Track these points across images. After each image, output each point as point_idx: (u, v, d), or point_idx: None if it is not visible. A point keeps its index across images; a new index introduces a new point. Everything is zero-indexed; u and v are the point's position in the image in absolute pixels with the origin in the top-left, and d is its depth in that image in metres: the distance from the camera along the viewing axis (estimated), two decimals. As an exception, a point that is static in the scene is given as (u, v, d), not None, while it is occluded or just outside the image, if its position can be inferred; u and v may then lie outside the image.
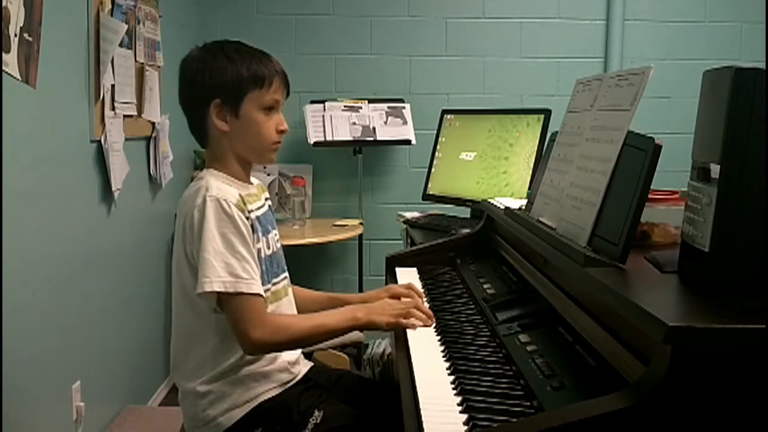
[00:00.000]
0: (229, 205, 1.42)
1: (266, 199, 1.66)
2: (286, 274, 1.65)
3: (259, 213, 1.54)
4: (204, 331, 1.48)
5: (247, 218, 1.47)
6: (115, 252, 2.68)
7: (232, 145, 1.53)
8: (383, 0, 3.82)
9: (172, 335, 1.56)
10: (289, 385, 1.55)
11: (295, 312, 1.65)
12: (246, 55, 1.51)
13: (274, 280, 1.57)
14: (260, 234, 1.51)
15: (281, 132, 1.55)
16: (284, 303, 1.60)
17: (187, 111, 1.56)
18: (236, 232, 1.42)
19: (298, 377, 1.58)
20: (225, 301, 1.40)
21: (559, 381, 1.10)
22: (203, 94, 1.50)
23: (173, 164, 3.25)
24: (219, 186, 1.46)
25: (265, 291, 1.50)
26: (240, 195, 1.48)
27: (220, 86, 1.48)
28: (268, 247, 1.55)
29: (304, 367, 1.62)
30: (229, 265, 1.39)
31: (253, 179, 1.64)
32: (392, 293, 1.69)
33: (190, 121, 1.56)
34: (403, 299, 1.63)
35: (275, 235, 1.62)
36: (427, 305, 1.64)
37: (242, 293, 1.39)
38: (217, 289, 1.38)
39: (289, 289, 1.65)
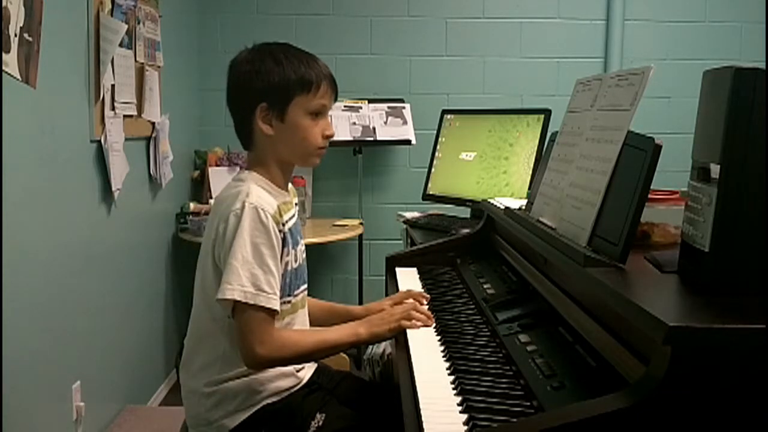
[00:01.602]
0: (266, 216, 1.40)
1: (296, 204, 1.64)
2: (306, 285, 1.63)
3: (291, 223, 1.52)
4: (216, 334, 1.47)
5: (281, 231, 1.45)
6: (115, 252, 2.68)
7: (276, 149, 1.51)
8: (383, 0, 3.82)
9: (187, 333, 1.56)
10: (294, 389, 1.54)
11: (308, 324, 1.64)
12: (294, 59, 1.48)
13: (296, 292, 1.55)
14: (290, 247, 1.49)
15: (327, 137, 1.53)
16: (300, 314, 1.58)
17: (233, 113, 1.54)
18: (268, 243, 1.40)
19: (304, 381, 1.57)
20: (239, 310, 1.39)
21: (559, 381, 1.10)
22: (249, 97, 1.47)
23: (173, 164, 3.25)
24: (259, 193, 1.44)
25: (286, 303, 1.49)
26: (278, 205, 1.46)
27: (266, 90, 1.46)
28: (296, 260, 1.53)
29: (309, 370, 1.62)
30: (254, 276, 1.38)
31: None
32: (393, 303, 1.69)
33: (236, 123, 1.54)
34: (402, 304, 1.64)
35: (302, 246, 1.60)
36: (427, 306, 1.64)
37: (260, 306, 1.38)
38: (237, 298, 1.36)
39: (306, 300, 1.64)
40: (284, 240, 1.46)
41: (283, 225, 1.47)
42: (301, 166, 1.63)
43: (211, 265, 1.45)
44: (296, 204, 1.63)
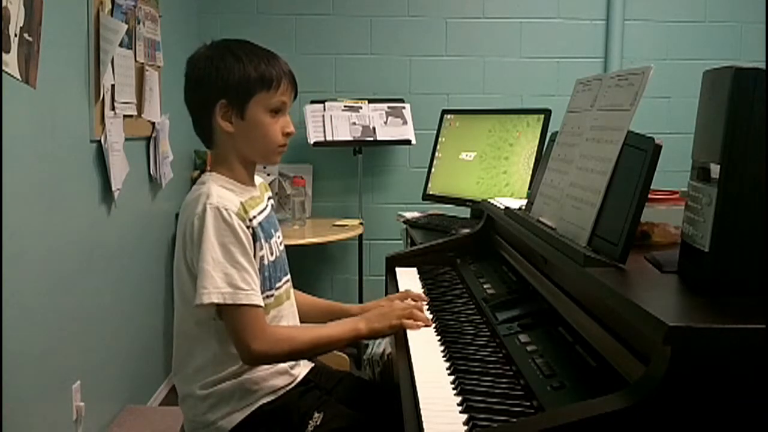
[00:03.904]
0: (229, 214, 1.40)
1: (269, 198, 1.64)
2: (289, 276, 1.63)
3: (261, 218, 1.51)
4: (204, 337, 1.47)
5: (249, 226, 1.44)
6: (115, 252, 2.68)
7: (236, 147, 1.50)
8: (383, 0, 3.82)
9: (174, 339, 1.56)
10: (289, 387, 1.54)
11: (297, 316, 1.64)
12: (254, 56, 1.48)
13: (277, 285, 1.55)
14: (263, 241, 1.49)
15: (287, 134, 1.52)
16: (285, 307, 1.58)
17: (192, 111, 1.53)
18: (236, 241, 1.40)
19: (298, 379, 1.57)
20: (224, 312, 1.39)
21: (559, 381, 1.10)
22: (209, 94, 1.47)
23: (173, 164, 3.25)
24: (220, 193, 1.43)
25: (268, 297, 1.49)
26: (241, 202, 1.45)
27: (226, 87, 1.45)
28: (271, 253, 1.53)
29: (304, 368, 1.62)
30: (228, 276, 1.37)
31: (256, 177, 1.62)
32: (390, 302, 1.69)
33: (195, 121, 1.53)
34: (404, 302, 1.63)
35: (278, 238, 1.59)
36: (426, 307, 1.64)
37: (242, 305, 1.38)
38: (216, 301, 1.36)
39: (291, 292, 1.64)
40: (254, 235, 1.46)
41: (251, 220, 1.46)
42: (262, 164, 1.63)
43: (185, 270, 1.45)
44: (269, 197, 1.63)
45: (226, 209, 1.40)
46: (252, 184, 1.57)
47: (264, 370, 1.49)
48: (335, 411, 1.52)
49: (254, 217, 1.48)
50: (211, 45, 1.52)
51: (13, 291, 1.92)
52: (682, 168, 1.37)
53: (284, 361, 1.52)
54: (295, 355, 1.51)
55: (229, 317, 1.39)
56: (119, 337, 2.73)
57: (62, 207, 2.24)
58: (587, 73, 1.62)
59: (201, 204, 1.40)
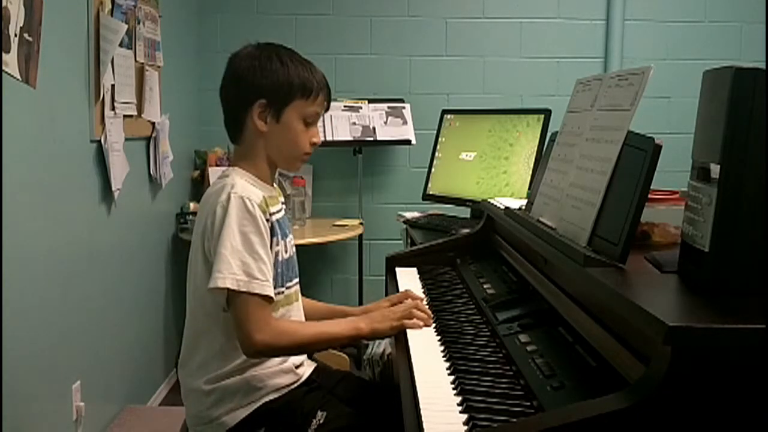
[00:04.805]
0: (252, 205, 1.43)
1: (283, 202, 1.66)
2: (298, 279, 1.65)
3: (278, 216, 1.55)
4: (212, 329, 1.48)
5: (268, 220, 1.47)
6: (115, 252, 2.68)
7: (266, 147, 1.54)
8: (383, 0, 3.82)
9: (184, 332, 1.57)
10: (293, 386, 1.55)
11: (303, 316, 1.65)
12: (298, 64, 1.53)
13: (288, 284, 1.57)
14: (279, 237, 1.52)
15: (314, 144, 1.57)
16: (295, 307, 1.60)
17: (227, 105, 1.57)
18: (257, 231, 1.43)
19: (303, 378, 1.58)
20: (234, 298, 1.40)
21: (559, 381, 1.10)
22: (250, 91, 1.51)
23: (173, 164, 3.25)
24: (244, 185, 1.47)
25: (279, 294, 1.51)
26: (264, 196, 1.49)
27: (268, 87, 1.50)
28: (286, 251, 1.56)
29: (309, 368, 1.63)
30: (245, 264, 1.39)
31: None
32: (391, 303, 1.70)
33: (227, 116, 1.57)
34: (403, 302, 1.64)
35: (291, 239, 1.62)
36: (426, 306, 1.64)
37: (253, 293, 1.39)
38: (229, 286, 1.38)
39: (300, 295, 1.66)
40: (272, 230, 1.49)
41: (270, 215, 1.49)
42: (284, 169, 1.66)
43: (201, 259, 1.46)
44: (282, 202, 1.66)
45: (249, 199, 1.44)
46: (272, 184, 1.61)
47: (269, 368, 1.50)
48: (338, 410, 1.53)
49: (273, 213, 1.51)
50: (257, 45, 1.56)
51: (14, 291, 1.92)
52: (682, 168, 1.37)
53: (284, 355, 1.52)
54: (296, 349, 1.52)
55: (238, 305, 1.40)
56: (119, 337, 2.73)
57: (62, 207, 2.24)
58: (587, 73, 1.62)
59: (225, 193, 1.44)
